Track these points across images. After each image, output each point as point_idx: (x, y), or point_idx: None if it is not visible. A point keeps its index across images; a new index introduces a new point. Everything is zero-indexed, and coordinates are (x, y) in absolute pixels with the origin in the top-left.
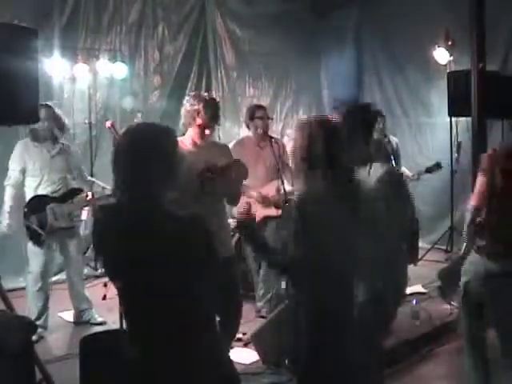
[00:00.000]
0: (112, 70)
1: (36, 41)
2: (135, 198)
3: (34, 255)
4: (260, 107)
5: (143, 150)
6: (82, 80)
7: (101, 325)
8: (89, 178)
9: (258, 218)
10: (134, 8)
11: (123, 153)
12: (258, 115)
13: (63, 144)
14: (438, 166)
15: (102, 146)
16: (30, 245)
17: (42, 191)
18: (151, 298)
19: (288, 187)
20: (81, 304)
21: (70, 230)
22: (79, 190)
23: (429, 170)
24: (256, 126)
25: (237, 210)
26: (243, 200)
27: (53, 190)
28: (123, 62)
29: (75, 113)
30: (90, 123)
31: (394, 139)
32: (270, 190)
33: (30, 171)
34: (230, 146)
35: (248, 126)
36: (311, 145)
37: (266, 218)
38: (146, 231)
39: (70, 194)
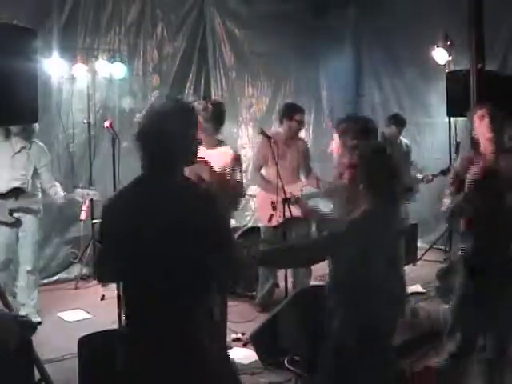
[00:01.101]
0: (111, 69)
1: (35, 41)
2: (156, 170)
3: None
4: (301, 110)
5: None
6: (80, 80)
7: None
8: (56, 186)
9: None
10: (132, 8)
11: (148, 128)
12: (297, 118)
13: (32, 141)
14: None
15: (101, 146)
16: None
17: (3, 187)
18: (160, 270)
19: (307, 189)
20: None
21: (13, 224)
22: (21, 190)
23: (443, 172)
24: (290, 126)
25: (259, 207)
26: (268, 199)
27: (15, 186)
28: (122, 62)
29: (74, 113)
30: (88, 123)
31: (404, 141)
32: (294, 189)
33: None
34: (259, 139)
35: (281, 122)
36: (375, 169)
37: (291, 219)
38: (162, 200)
39: (13, 192)
